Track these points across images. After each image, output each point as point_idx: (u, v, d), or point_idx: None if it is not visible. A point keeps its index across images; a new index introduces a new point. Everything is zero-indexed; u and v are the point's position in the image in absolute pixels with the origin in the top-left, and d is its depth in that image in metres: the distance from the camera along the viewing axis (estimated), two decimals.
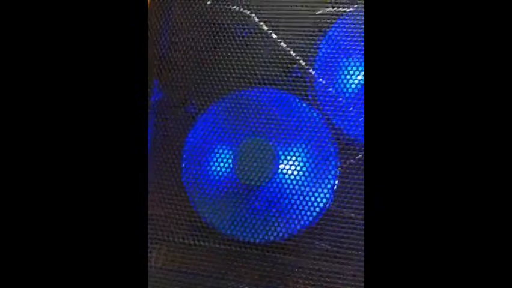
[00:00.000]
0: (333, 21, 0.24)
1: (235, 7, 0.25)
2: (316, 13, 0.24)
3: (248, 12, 0.25)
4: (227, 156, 0.24)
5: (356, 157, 0.23)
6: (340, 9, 0.24)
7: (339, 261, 0.22)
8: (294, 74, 0.24)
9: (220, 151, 0.24)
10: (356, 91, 0.24)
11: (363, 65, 0.24)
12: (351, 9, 0.24)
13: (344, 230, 0.22)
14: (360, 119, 0.23)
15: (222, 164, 0.24)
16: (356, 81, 0.24)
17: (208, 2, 0.25)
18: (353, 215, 0.22)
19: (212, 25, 0.25)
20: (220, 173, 0.24)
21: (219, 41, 0.25)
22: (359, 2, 0.24)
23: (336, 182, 0.23)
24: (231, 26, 0.25)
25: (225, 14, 0.25)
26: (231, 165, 0.24)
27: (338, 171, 0.23)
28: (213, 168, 0.24)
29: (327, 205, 0.23)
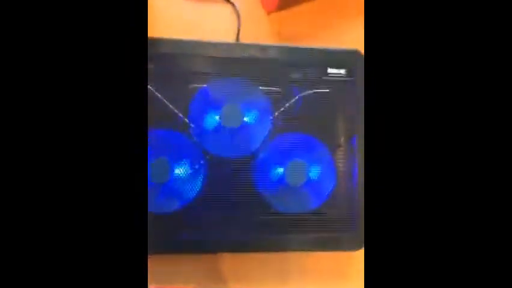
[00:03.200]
0: (197, 90, 0.45)
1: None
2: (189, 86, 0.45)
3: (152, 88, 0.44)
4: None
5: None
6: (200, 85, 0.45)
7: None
8: (178, 122, 0.44)
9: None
10: (211, 129, 0.45)
11: (215, 114, 0.45)
12: (205, 86, 0.45)
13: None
14: (215, 143, 0.45)
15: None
16: (210, 124, 0.45)
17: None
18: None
19: None
20: None
21: None
22: (210, 81, 0.45)
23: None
24: None
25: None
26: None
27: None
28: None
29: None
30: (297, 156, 0.45)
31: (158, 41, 0.45)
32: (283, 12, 0.52)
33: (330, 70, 0.47)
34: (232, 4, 0.51)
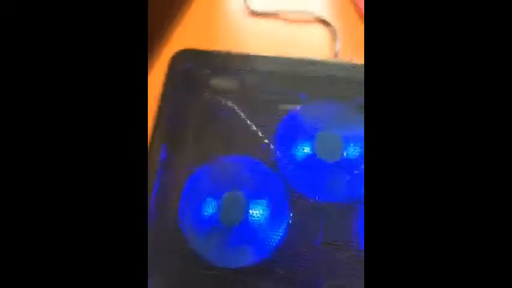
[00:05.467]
0: (287, 113, 0.36)
1: (223, 99, 0.36)
2: (279, 107, 0.36)
3: (230, 103, 0.36)
4: (213, 205, 0.33)
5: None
6: (291, 106, 0.36)
7: (292, 282, 0.32)
8: (261, 147, 0.35)
9: (208, 201, 0.33)
10: (301, 160, 0.35)
11: (306, 142, 0.35)
12: (298, 107, 0.36)
13: (294, 260, 0.32)
14: (305, 180, 0.34)
15: (209, 211, 0.33)
16: (301, 154, 0.35)
17: (205, 94, 0.35)
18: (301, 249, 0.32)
19: (205, 110, 0.35)
20: (208, 217, 0.33)
21: (210, 120, 0.35)
22: (303, 103, 0.36)
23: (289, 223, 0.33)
24: (218, 111, 0.36)
25: (215, 102, 0.36)
26: (216, 211, 0.33)
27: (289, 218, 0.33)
28: (203, 214, 0.33)
29: (281, 241, 0.33)
30: None
31: (246, 57, 0.38)
32: None
33: None
34: (329, 24, 0.44)
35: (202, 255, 0.32)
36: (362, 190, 0.33)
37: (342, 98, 0.36)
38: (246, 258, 0.32)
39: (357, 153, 0.35)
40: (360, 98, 0.36)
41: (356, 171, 0.34)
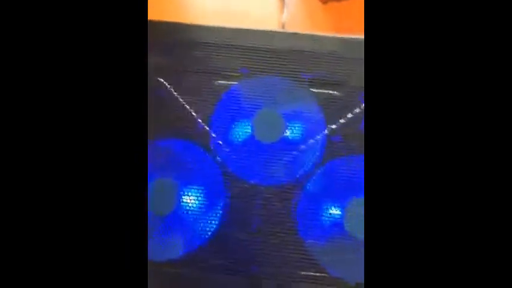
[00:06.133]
0: (227, 89, 0.33)
1: (152, 75, 0.32)
2: (217, 84, 0.33)
3: (161, 79, 0.32)
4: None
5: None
6: (230, 82, 0.33)
7: (229, 272, 0.30)
8: (196, 130, 0.32)
9: None
10: (239, 143, 0.32)
11: (245, 124, 0.33)
12: (237, 83, 0.33)
13: (230, 247, 0.31)
14: (243, 163, 0.32)
15: None
16: (238, 137, 0.32)
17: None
18: (237, 235, 0.30)
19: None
20: None
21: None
22: (243, 78, 0.33)
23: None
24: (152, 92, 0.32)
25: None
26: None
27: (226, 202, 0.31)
28: None
29: (215, 228, 0.31)
30: (360, 192, 0.31)
31: (178, 26, 0.34)
32: (342, 2, 0.40)
33: None
34: None
35: None
36: (301, 172, 0.31)
37: (285, 73, 0.33)
38: (177, 249, 0.30)
39: (299, 134, 0.32)
40: (305, 73, 0.33)
41: (294, 152, 0.32)
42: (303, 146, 0.32)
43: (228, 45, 0.34)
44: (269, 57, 0.33)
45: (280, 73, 0.33)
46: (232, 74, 0.33)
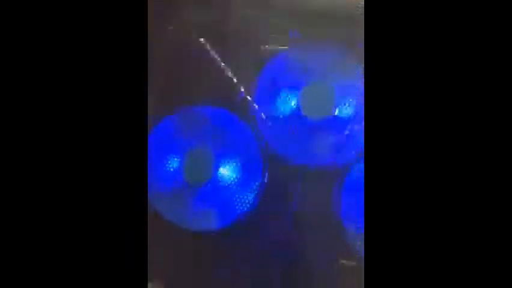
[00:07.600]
0: (272, 55, 0.30)
1: (193, 35, 0.29)
2: (262, 48, 0.29)
3: (202, 40, 0.29)
4: (176, 161, 0.29)
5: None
6: (278, 47, 0.30)
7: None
8: (237, 99, 0.29)
9: (171, 156, 0.29)
10: (282, 117, 0.30)
11: (292, 95, 0.30)
12: (285, 49, 0.30)
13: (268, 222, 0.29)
14: (285, 139, 0.29)
15: (172, 167, 0.29)
16: (284, 110, 0.30)
17: (170, 27, 0.29)
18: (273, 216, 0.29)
19: (169, 47, 0.29)
20: (170, 175, 0.29)
21: (174, 61, 0.29)
22: (293, 43, 0.30)
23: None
24: (185, 50, 0.29)
25: (183, 38, 0.29)
26: (180, 170, 0.29)
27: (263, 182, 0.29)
28: (165, 172, 0.29)
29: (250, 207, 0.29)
30: None
31: None
32: None
33: None
34: None
35: (165, 216, 0.29)
36: (350, 155, 0.29)
37: (342, 42, 0.29)
38: (211, 222, 0.29)
39: (351, 111, 0.29)
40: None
41: (346, 132, 0.29)
42: (356, 126, 0.28)
43: (280, 5, 0.30)
44: (326, 23, 0.29)
45: (335, 40, 0.29)
46: (281, 38, 0.30)
